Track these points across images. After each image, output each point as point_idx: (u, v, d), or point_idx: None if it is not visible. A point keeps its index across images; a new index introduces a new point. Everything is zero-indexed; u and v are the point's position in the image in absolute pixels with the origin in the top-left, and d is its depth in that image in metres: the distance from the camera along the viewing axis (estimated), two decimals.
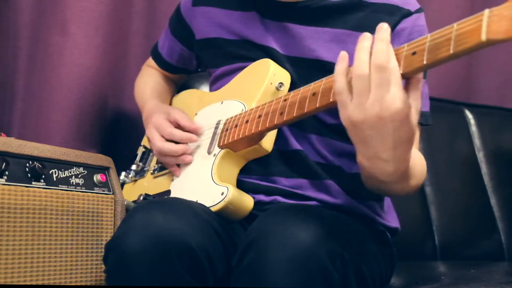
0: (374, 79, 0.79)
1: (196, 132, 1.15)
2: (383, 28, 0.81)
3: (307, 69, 1.08)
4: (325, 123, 1.08)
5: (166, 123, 1.17)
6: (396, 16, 1.06)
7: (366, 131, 0.82)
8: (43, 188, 0.99)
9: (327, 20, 1.09)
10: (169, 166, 1.18)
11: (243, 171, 1.10)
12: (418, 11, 1.08)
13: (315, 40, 1.09)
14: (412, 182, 0.97)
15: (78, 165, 1.06)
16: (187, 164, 1.14)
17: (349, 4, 1.08)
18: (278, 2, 1.11)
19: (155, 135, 1.17)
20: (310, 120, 1.08)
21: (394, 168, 0.86)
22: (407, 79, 0.82)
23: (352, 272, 0.89)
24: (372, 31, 1.06)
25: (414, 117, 0.82)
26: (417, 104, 0.82)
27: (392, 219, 1.18)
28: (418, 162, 0.99)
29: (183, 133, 1.15)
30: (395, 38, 1.04)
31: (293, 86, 1.08)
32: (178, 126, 1.17)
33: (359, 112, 0.81)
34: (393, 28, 1.05)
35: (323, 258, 0.83)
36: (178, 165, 1.16)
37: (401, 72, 0.80)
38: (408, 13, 1.06)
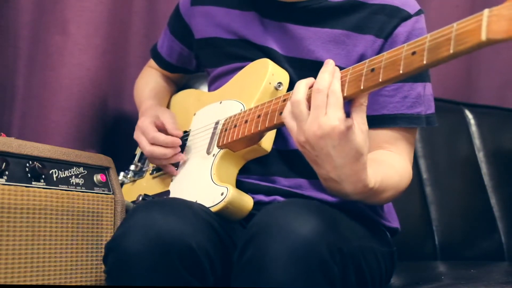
0: (313, 101, 0.86)
1: (175, 140, 1.15)
2: (329, 63, 0.89)
3: (306, 69, 1.08)
4: None
5: (150, 127, 1.17)
6: (395, 18, 1.06)
7: (312, 152, 0.88)
8: (43, 188, 0.99)
9: (327, 20, 1.09)
10: (163, 167, 1.18)
11: (243, 171, 1.10)
12: (417, 13, 1.08)
13: (314, 41, 1.09)
14: (386, 194, 1.00)
15: (78, 165, 1.06)
16: (186, 163, 1.14)
17: (349, 4, 1.08)
18: (278, 2, 1.11)
19: (143, 139, 1.17)
20: None
21: (350, 189, 0.91)
22: (350, 101, 0.87)
23: (352, 267, 0.90)
24: (371, 32, 1.07)
25: (359, 137, 0.86)
26: (361, 126, 0.87)
27: (392, 219, 1.18)
28: (393, 174, 1.01)
29: (166, 137, 1.15)
30: (392, 43, 1.05)
31: (292, 86, 1.08)
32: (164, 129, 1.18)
33: (301, 133, 0.88)
34: (391, 31, 1.06)
35: (323, 251, 0.83)
36: (176, 166, 1.16)
37: (401, 72, 0.80)
38: (408, 16, 1.06)
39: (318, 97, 0.86)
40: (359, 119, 0.87)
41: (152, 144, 1.15)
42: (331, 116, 0.85)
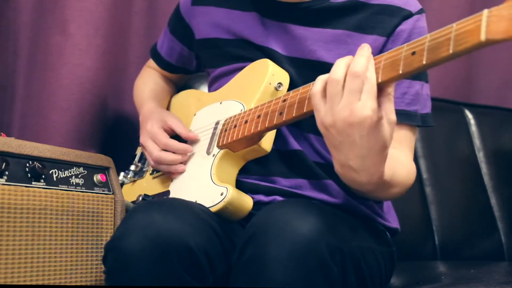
0: (348, 85, 0.81)
1: (193, 140, 1.15)
2: (365, 48, 0.84)
3: (307, 70, 1.08)
4: None
5: (161, 133, 1.17)
6: (396, 17, 1.06)
7: (336, 136, 0.84)
8: (43, 188, 0.99)
9: (328, 21, 1.09)
10: (166, 172, 1.18)
11: (242, 171, 1.10)
12: (419, 12, 1.08)
13: (315, 41, 1.09)
14: (394, 190, 0.99)
15: (78, 165, 1.06)
16: (186, 164, 1.14)
17: (350, 5, 1.09)
18: (279, 3, 1.11)
19: (151, 144, 1.16)
20: (309, 120, 1.07)
21: (366, 179, 0.88)
22: (378, 91, 0.83)
23: (352, 267, 0.90)
24: (374, 32, 1.07)
25: (387, 129, 0.83)
26: (389, 116, 0.84)
27: (392, 219, 1.18)
28: (402, 170, 1.01)
29: (178, 144, 1.15)
30: (394, 40, 1.05)
31: (293, 87, 1.08)
32: (173, 133, 1.17)
33: (330, 115, 0.83)
34: (393, 29, 1.06)
35: (323, 252, 0.83)
36: None
37: (401, 72, 0.80)
38: (409, 15, 1.07)
39: (355, 81, 0.81)
40: (387, 109, 0.83)
41: (163, 150, 1.15)
42: (365, 104, 0.80)
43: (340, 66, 0.84)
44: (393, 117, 0.84)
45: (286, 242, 0.83)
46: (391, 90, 0.83)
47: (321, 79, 0.86)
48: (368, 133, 0.82)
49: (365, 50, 0.84)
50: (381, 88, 0.83)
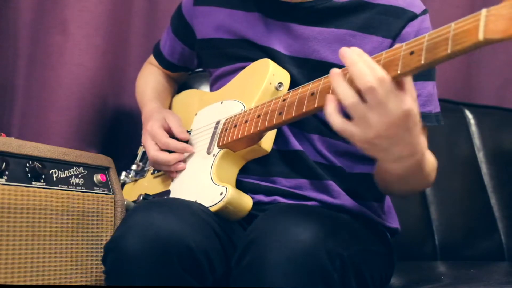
0: (369, 100, 0.79)
1: (192, 140, 1.14)
2: (346, 52, 0.80)
3: (311, 70, 1.08)
4: (326, 123, 1.07)
5: (161, 132, 1.17)
6: (401, 19, 1.06)
7: (383, 143, 0.82)
8: (43, 188, 0.99)
9: (332, 20, 1.09)
10: (165, 171, 1.18)
11: (243, 171, 1.10)
12: (423, 13, 1.08)
13: (319, 41, 1.09)
14: (425, 173, 0.96)
15: (78, 165, 1.06)
16: (186, 163, 1.14)
17: (354, 5, 1.08)
18: (282, 2, 1.11)
19: (150, 144, 1.17)
20: (311, 120, 1.08)
21: (408, 151, 0.85)
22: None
23: (352, 272, 0.90)
24: (376, 32, 1.07)
25: (416, 108, 0.81)
26: (413, 94, 0.81)
27: (392, 220, 1.18)
28: (429, 159, 0.98)
29: (178, 143, 1.15)
30: (401, 42, 1.04)
31: (293, 86, 1.08)
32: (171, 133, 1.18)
33: (369, 131, 0.80)
34: (399, 32, 1.06)
35: (323, 258, 0.83)
36: None
37: (399, 72, 0.79)
38: (414, 16, 1.07)
39: (374, 94, 0.78)
40: (410, 89, 0.81)
41: (162, 150, 1.15)
42: (396, 104, 0.79)
43: (345, 89, 0.81)
44: (415, 92, 0.82)
45: (286, 248, 0.83)
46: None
47: (333, 115, 0.83)
48: (408, 119, 0.80)
49: (353, 55, 0.80)
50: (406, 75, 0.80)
